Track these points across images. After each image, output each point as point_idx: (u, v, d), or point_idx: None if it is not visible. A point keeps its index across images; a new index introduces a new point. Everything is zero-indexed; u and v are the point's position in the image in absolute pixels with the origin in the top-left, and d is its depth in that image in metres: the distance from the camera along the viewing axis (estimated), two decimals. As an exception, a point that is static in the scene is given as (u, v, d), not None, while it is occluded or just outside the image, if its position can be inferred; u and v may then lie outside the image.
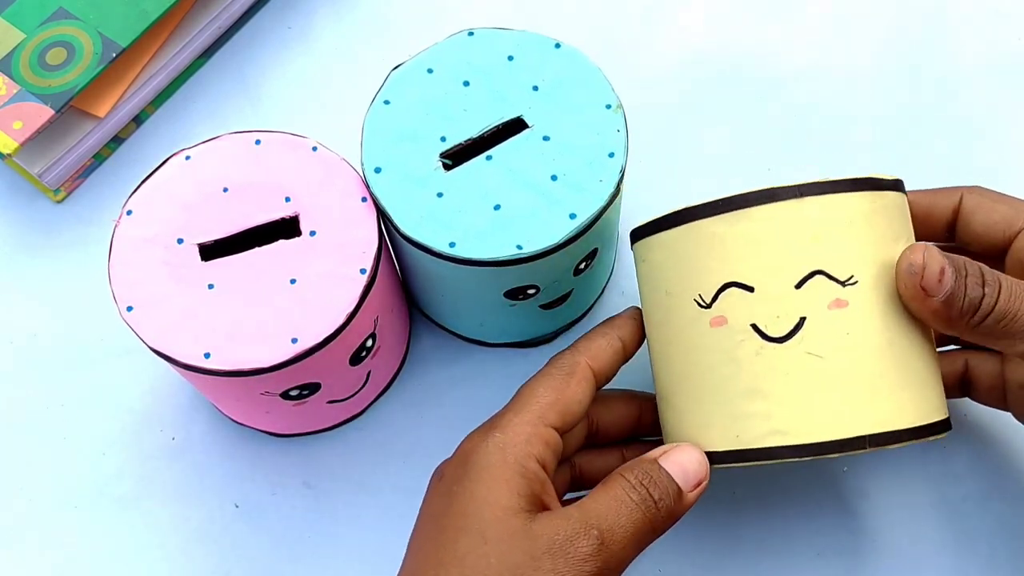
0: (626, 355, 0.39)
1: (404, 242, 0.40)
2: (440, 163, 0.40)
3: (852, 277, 0.34)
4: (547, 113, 0.41)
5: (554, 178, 0.40)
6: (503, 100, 0.41)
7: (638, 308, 0.39)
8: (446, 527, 0.33)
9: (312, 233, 0.39)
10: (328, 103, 0.54)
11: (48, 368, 0.49)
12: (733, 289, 0.34)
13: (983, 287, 0.33)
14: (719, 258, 0.34)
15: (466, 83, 0.41)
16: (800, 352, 0.33)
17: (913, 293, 0.33)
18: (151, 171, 0.41)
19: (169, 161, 0.41)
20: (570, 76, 0.41)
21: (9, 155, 0.48)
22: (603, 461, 0.41)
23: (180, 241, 0.39)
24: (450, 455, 0.37)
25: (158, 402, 0.48)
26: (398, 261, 0.44)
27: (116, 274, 0.39)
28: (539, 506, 0.34)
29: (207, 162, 0.41)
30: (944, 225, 0.39)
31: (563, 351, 0.38)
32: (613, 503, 0.33)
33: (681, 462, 0.35)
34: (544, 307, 0.44)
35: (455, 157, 0.41)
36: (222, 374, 0.37)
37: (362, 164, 0.40)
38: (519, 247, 0.39)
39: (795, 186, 0.34)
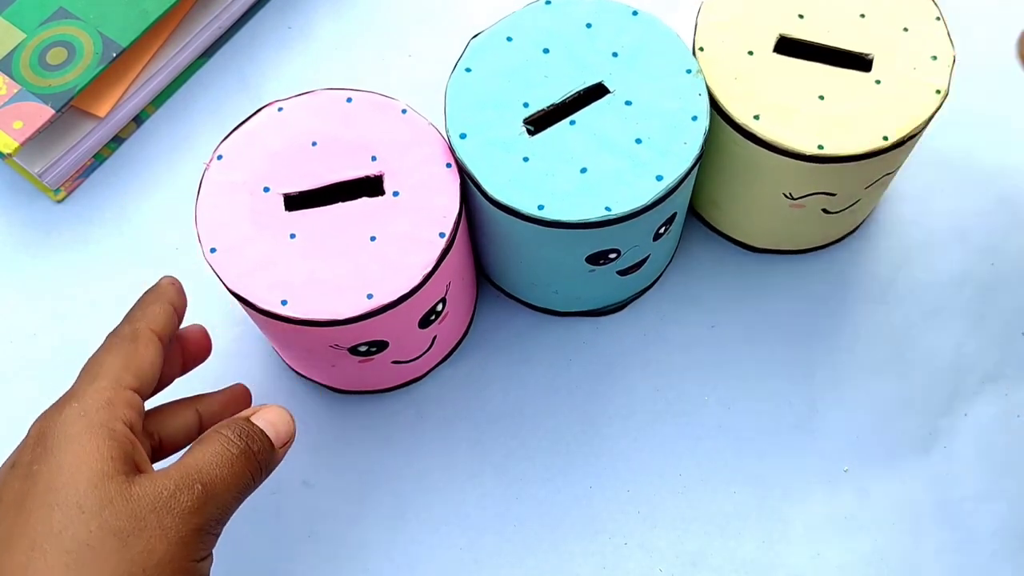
0: (179, 318, 0.39)
1: (489, 207, 0.40)
2: (524, 128, 0.41)
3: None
4: (628, 79, 0.41)
5: (638, 141, 0.40)
6: (583, 66, 0.42)
7: (171, 276, 0.40)
8: (32, 508, 0.31)
9: (395, 194, 0.40)
10: (328, 103, 0.54)
11: (48, 368, 0.49)
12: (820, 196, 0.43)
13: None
14: (815, 177, 0.42)
15: (546, 50, 0.42)
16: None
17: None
18: (244, 119, 0.41)
19: (262, 111, 0.41)
20: (649, 42, 0.42)
21: (9, 155, 0.48)
22: (181, 420, 0.39)
23: (266, 190, 0.40)
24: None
25: (158, 402, 0.48)
26: (477, 229, 0.45)
27: (202, 216, 0.39)
28: (134, 469, 0.33)
29: (299, 115, 0.41)
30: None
31: (118, 325, 0.37)
32: (214, 457, 0.34)
33: (272, 421, 0.36)
34: (621, 273, 0.44)
35: (538, 123, 0.41)
36: (296, 322, 0.38)
37: (447, 130, 0.41)
38: (608, 208, 0.39)
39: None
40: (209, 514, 0.33)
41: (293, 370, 0.48)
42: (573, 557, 0.45)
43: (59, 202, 0.53)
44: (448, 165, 0.40)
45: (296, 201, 0.40)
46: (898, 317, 0.48)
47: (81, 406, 0.33)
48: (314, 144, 0.41)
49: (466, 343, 0.49)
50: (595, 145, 0.40)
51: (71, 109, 0.50)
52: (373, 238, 0.39)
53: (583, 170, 0.40)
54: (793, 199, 0.44)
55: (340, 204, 0.40)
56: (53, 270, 0.51)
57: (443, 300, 0.42)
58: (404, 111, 0.41)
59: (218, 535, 0.34)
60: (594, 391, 0.47)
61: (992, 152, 0.52)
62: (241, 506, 0.46)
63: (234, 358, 0.48)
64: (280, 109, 0.41)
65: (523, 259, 0.44)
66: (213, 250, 0.39)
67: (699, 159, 0.40)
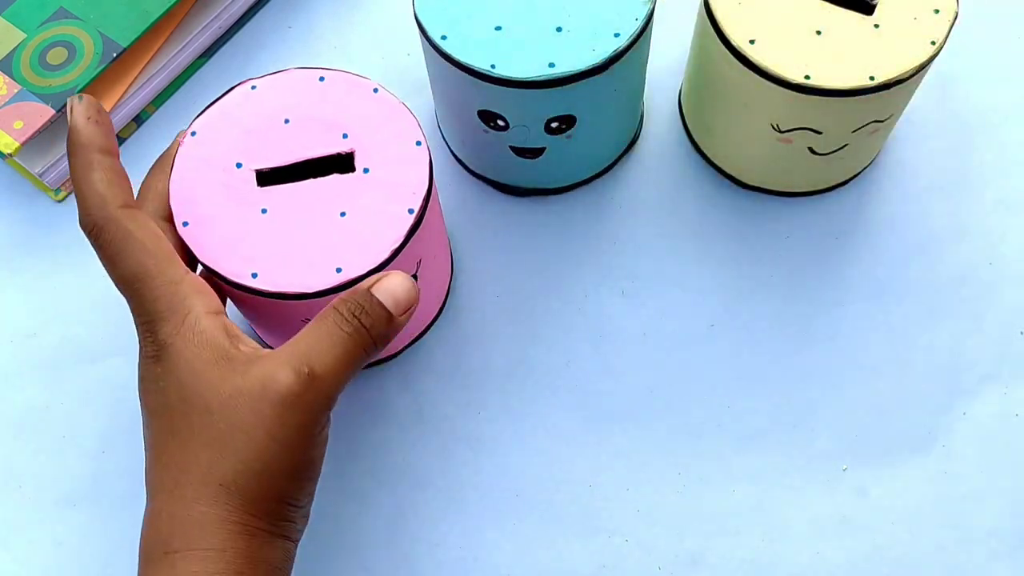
0: None
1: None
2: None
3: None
4: None
5: (559, 30, 0.42)
6: None
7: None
8: (172, 409, 0.35)
9: (366, 170, 0.40)
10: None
11: (48, 368, 0.49)
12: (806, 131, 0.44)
13: None
14: (800, 109, 0.43)
15: None
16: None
17: None
18: (218, 96, 0.42)
19: (235, 89, 0.42)
20: None
21: (10, 155, 0.48)
22: None
23: (239, 165, 0.40)
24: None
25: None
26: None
27: (175, 191, 0.40)
28: (243, 356, 0.36)
29: (271, 93, 0.42)
30: None
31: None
32: (326, 338, 0.35)
33: (392, 290, 0.37)
34: (515, 151, 0.46)
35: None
36: (267, 295, 0.39)
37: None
38: (492, 66, 0.41)
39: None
40: (317, 394, 0.35)
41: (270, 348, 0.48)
42: (573, 555, 0.45)
43: (59, 202, 0.53)
44: (418, 143, 0.41)
45: (268, 177, 0.40)
46: (897, 316, 0.48)
47: (193, 317, 0.36)
48: (287, 121, 0.41)
49: (438, 324, 0.49)
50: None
51: (71, 109, 0.50)
52: (343, 214, 0.39)
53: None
54: (780, 132, 0.45)
55: (311, 180, 0.40)
56: (53, 270, 0.51)
57: (414, 276, 0.42)
58: (376, 90, 0.42)
59: (332, 406, 0.36)
60: (591, 375, 0.48)
61: (992, 152, 0.52)
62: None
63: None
64: (254, 87, 0.42)
65: (438, 102, 0.45)
66: (185, 223, 0.39)
67: (600, 68, 0.41)
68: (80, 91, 0.49)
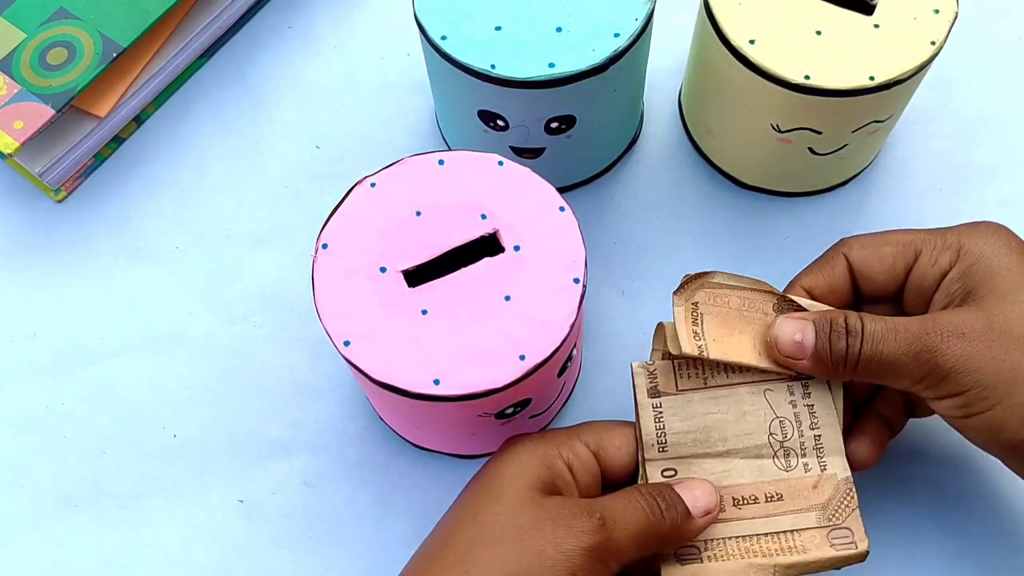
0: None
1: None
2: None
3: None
4: None
5: (558, 30, 0.42)
6: None
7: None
8: (469, 495, 0.37)
9: (516, 248, 0.38)
10: (329, 102, 0.54)
11: (48, 368, 0.49)
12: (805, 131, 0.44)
13: (846, 338, 0.37)
14: (800, 109, 0.43)
15: None
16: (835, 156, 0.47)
17: (783, 361, 0.38)
18: (338, 202, 0.40)
19: (354, 190, 0.40)
20: None
21: (10, 155, 0.48)
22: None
23: (383, 270, 0.38)
24: None
25: (158, 401, 0.48)
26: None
27: (325, 310, 0.37)
28: (553, 490, 0.37)
29: (393, 186, 0.40)
30: (850, 293, 0.41)
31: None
32: (621, 500, 0.36)
33: (692, 489, 0.37)
34: (515, 150, 0.47)
35: None
36: (453, 399, 0.36)
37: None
38: (492, 66, 0.41)
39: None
40: (602, 542, 0.35)
41: (414, 444, 0.47)
42: (573, 556, 0.45)
43: (59, 202, 0.53)
44: (561, 209, 0.39)
45: (417, 275, 0.38)
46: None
47: (540, 437, 0.38)
48: (418, 214, 0.39)
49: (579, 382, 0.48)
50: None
51: (71, 109, 0.50)
52: (508, 297, 0.37)
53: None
54: (780, 132, 0.45)
55: (463, 270, 0.38)
56: (53, 270, 0.51)
57: (575, 344, 0.41)
58: (501, 163, 0.40)
59: (612, 572, 0.35)
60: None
61: (991, 152, 0.52)
62: (241, 506, 0.46)
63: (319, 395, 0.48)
64: (373, 185, 0.40)
65: (438, 102, 0.46)
66: (347, 343, 0.37)
67: (600, 68, 0.41)
68: (80, 91, 0.49)
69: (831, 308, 0.39)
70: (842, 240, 0.41)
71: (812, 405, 0.39)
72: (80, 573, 0.45)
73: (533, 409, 0.42)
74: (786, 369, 0.38)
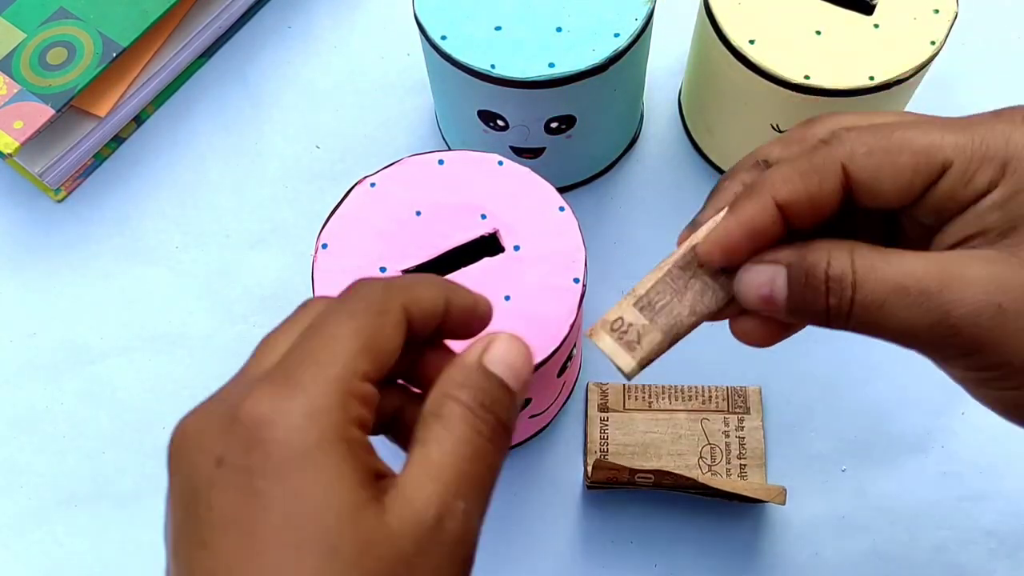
0: (445, 318, 0.29)
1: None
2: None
3: None
4: None
5: (558, 30, 0.42)
6: None
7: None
8: (268, 542, 0.24)
9: (516, 248, 0.38)
10: (329, 102, 0.54)
11: (48, 368, 0.49)
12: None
13: (827, 295, 0.28)
14: (800, 109, 0.43)
15: None
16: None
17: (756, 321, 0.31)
18: (338, 202, 0.39)
19: (354, 190, 0.40)
20: None
21: (10, 155, 0.48)
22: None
23: (383, 270, 0.38)
24: (196, 409, 0.28)
25: (158, 401, 0.48)
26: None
27: None
28: (374, 477, 0.26)
29: (392, 186, 0.39)
30: (835, 209, 0.29)
31: (373, 281, 0.29)
32: (464, 449, 0.27)
33: (509, 363, 0.28)
34: (515, 151, 0.46)
35: None
36: None
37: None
38: (492, 66, 0.41)
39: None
40: (474, 532, 0.27)
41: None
42: (573, 556, 0.45)
43: (59, 202, 0.53)
44: (561, 209, 0.39)
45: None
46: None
47: (309, 404, 0.26)
48: (418, 214, 0.39)
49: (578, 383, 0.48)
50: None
51: (71, 109, 0.50)
52: (508, 297, 0.37)
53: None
54: (780, 132, 0.45)
55: (463, 270, 0.38)
56: (53, 270, 0.51)
57: (575, 344, 0.41)
58: (500, 163, 0.40)
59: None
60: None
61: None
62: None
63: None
64: (372, 185, 0.40)
65: (438, 102, 0.46)
66: None
67: (600, 68, 0.42)
68: (80, 91, 0.49)
69: (751, 219, 0.30)
70: (834, 136, 0.29)
71: (744, 438, 0.45)
72: (80, 573, 0.45)
73: (533, 409, 0.42)
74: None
